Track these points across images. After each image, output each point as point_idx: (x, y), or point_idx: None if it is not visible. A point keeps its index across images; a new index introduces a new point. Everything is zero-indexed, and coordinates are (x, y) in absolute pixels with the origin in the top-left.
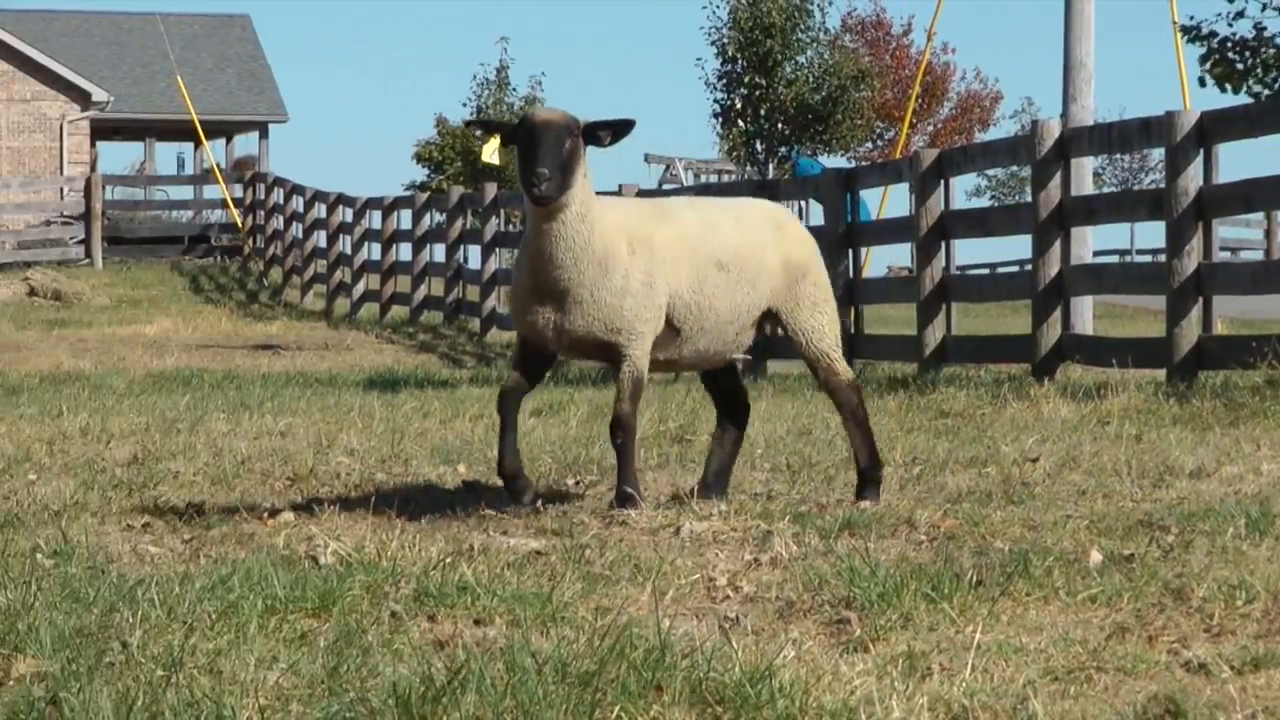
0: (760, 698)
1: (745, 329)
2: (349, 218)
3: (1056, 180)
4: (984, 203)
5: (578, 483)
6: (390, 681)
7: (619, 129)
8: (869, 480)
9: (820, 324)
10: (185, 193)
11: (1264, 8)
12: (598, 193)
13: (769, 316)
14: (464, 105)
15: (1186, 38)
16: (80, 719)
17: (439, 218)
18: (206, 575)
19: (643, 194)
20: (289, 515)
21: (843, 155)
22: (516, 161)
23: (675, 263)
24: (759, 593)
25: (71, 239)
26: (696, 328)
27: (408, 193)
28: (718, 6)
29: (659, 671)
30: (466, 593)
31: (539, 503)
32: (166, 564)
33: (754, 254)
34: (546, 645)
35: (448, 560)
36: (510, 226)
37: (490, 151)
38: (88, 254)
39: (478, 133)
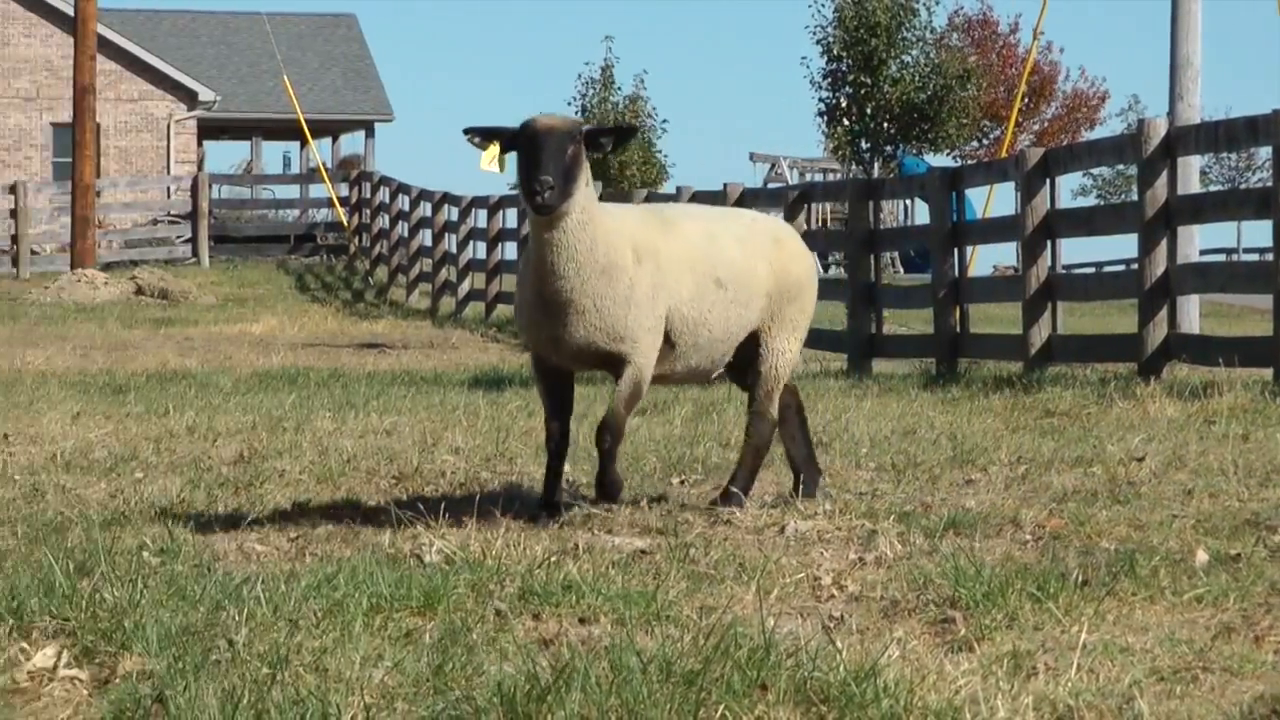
0: (865, 697)
1: (731, 350)
2: (454, 216)
3: (1163, 179)
4: (1090, 202)
5: (682, 482)
6: (495, 680)
7: (621, 135)
8: (732, 495)
9: (790, 349)
10: (291, 192)
11: None
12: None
13: (750, 336)
14: (569, 104)
15: None
16: (186, 717)
17: None
18: (312, 573)
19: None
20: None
21: (948, 154)
22: (517, 169)
23: (678, 275)
24: (864, 592)
25: (178, 238)
26: (691, 343)
27: (513, 192)
28: (823, 5)
29: (764, 670)
30: (571, 591)
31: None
32: (272, 562)
33: (751, 274)
34: (651, 644)
35: (553, 559)
36: None
37: (489, 160)
38: (194, 253)
39: (476, 140)
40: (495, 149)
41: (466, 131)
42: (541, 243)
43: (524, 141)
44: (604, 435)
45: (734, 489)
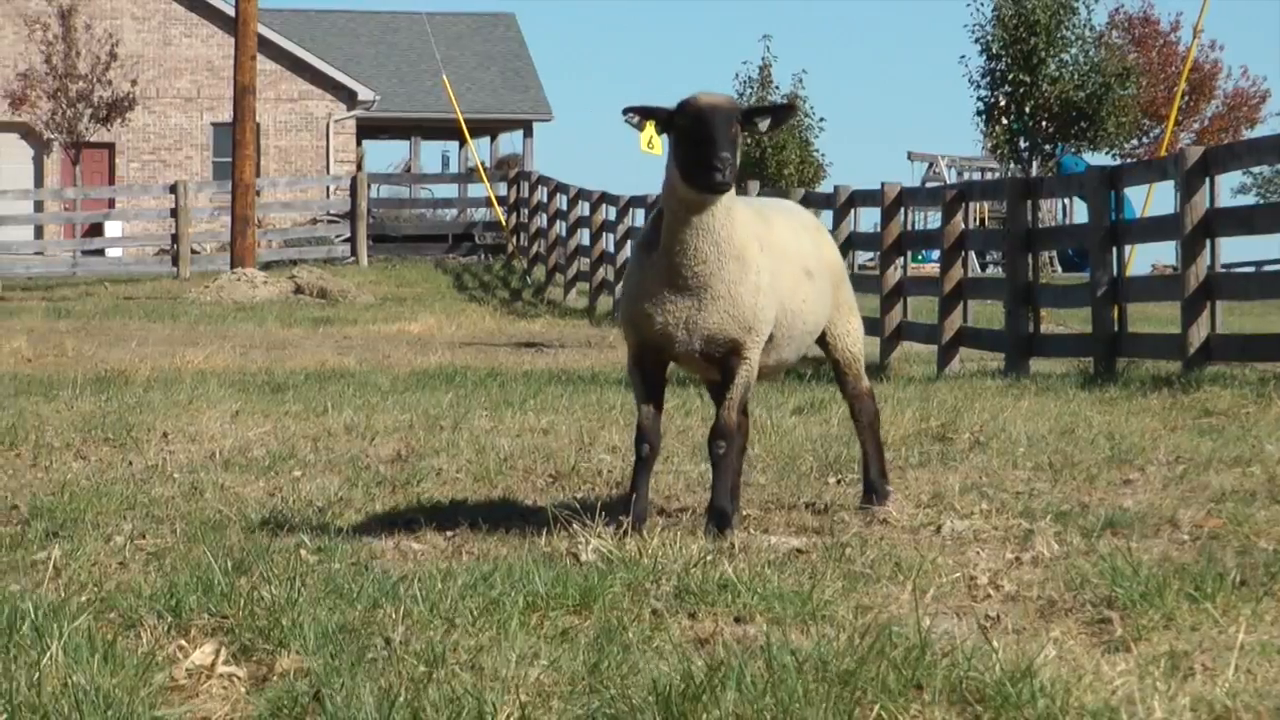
0: (1021, 697)
1: (811, 341)
2: (612, 216)
3: None
4: (1250, 200)
5: (838, 481)
6: (650, 679)
7: (779, 115)
8: (876, 491)
9: (855, 328)
10: (450, 191)
11: None
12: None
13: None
14: None
15: None
16: (343, 714)
17: None
18: (468, 572)
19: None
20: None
21: (1107, 153)
22: (677, 149)
23: (781, 267)
24: (1020, 591)
25: (337, 237)
26: (787, 335)
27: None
28: (982, 4)
29: (919, 670)
30: (727, 590)
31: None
32: (429, 560)
33: (824, 263)
34: (806, 643)
35: (708, 558)
36: None
37: (647, 140)
38: (353, 252)
39: (634, 120)
40: (651, 128)
41: (626, 111)
42: (685, 226)
43: (690, 120)
44: (717, 442)
45: (874, 480)
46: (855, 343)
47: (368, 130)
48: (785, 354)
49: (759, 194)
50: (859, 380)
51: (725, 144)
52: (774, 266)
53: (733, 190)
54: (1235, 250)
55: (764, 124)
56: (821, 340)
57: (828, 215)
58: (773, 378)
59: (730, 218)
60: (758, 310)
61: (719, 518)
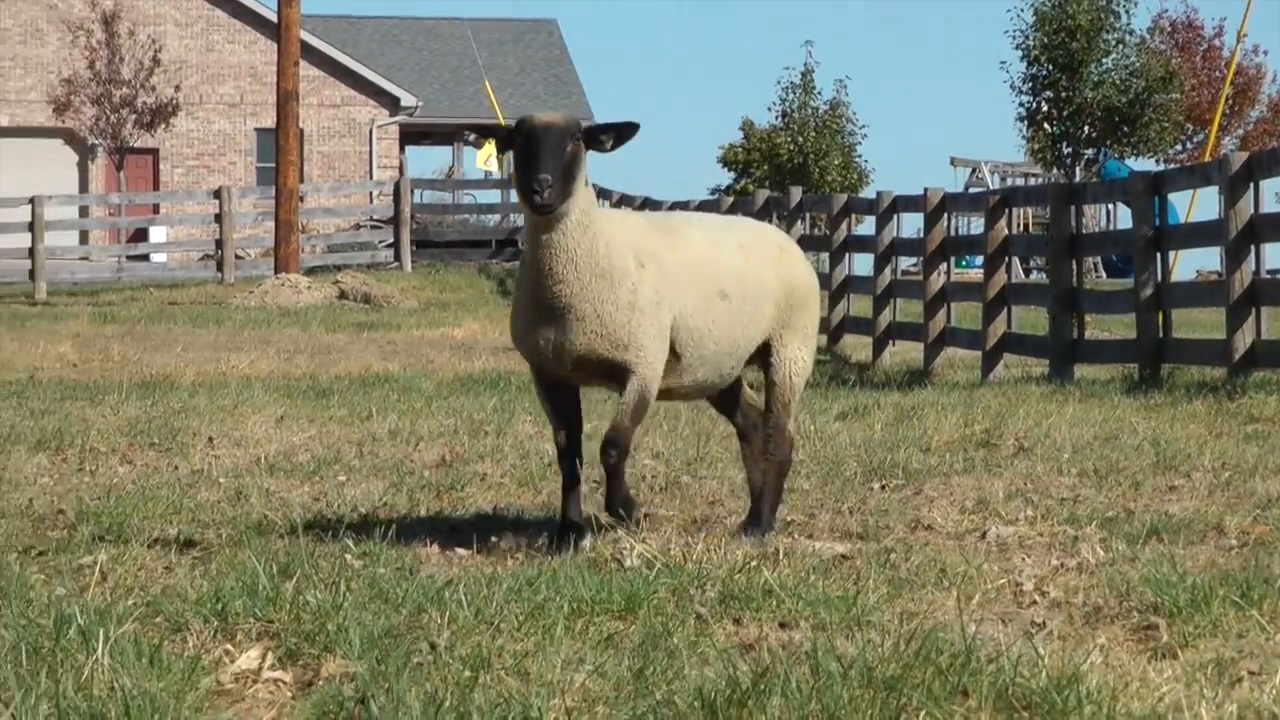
0: (1067, 704)
1: (740, 363)
2: None
3: None
4: None
5: (883, 487)
6: (695, 684)
7: (622, 133)
8: (760, 515)
9: (803, 357)
10: (493, 196)
11: None
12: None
13: (761, 348)
14: (769, 109)
15: None
16: (388, 719)
17: None
18: (513, 577)
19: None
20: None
21: (1150, 158)
22: (514, 167)
23: (682, 284)
24: (1065, 598)
25: (380, 242)
26: (696, 356)
27: (713, 196)
28: (1023, 9)
29: (964, 676)
30: (772, 596)
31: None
32: (474, 565)
33: (758, 284)
34: (851, 649)
35: (752, 563)
36: (815, 230)
37: (485, 158)
38: (396, 257)
39: (471, 138)
40: (491, 146)
41: (466, 129)
42: (539, 245)
43: (521, 139)
44: (609, 451)
45: (762, 510)
46: (797, 372)
47: (410, 136)
48: (702, 375)
49: (800, 199)
50: (784, 412)
51: (549, 164)
52: (662, 284)
53: (585, 206)
54: None
55: (609, 142)
56: (765, 362)
57: (870, 220)
58: (696, 398)
59: (589, 234)
60: (632, 328)
61: (610, 508)
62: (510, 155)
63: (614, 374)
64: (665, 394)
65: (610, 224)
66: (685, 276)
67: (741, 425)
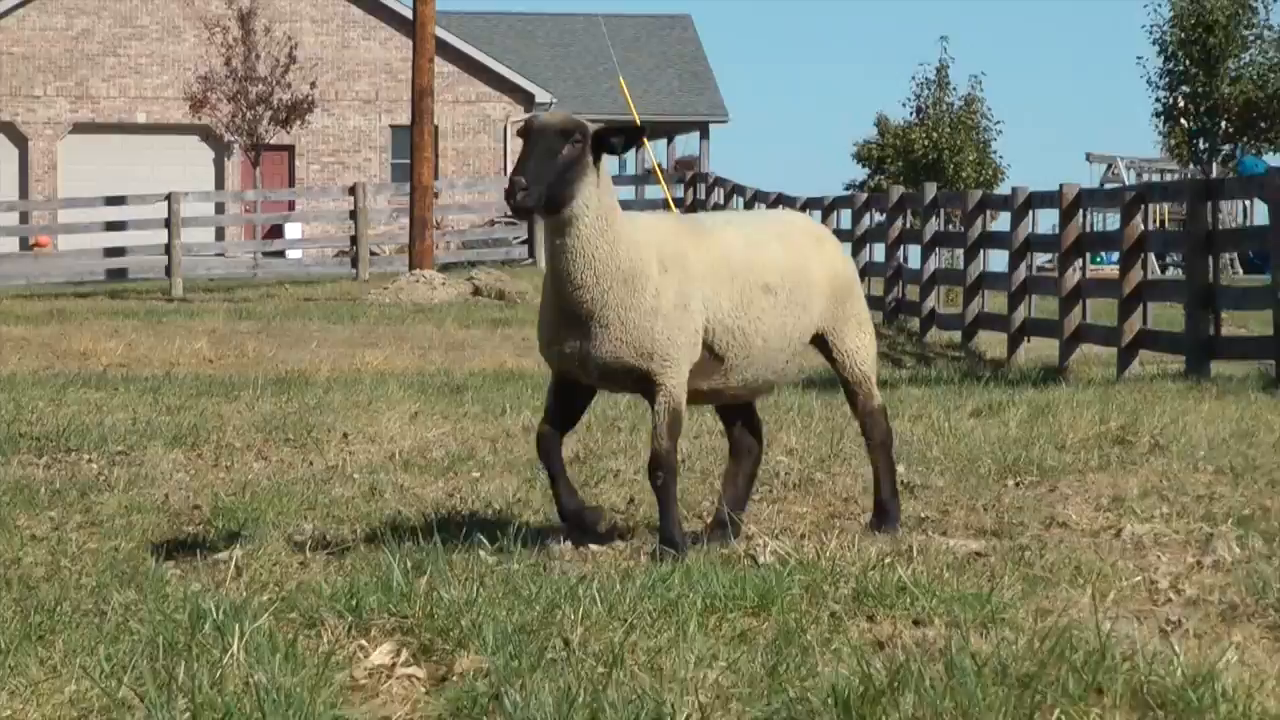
0: (1203, 702)
1: (796, 355)
2: None
3: None
4: None
5: (1017, 484)
6: (829, 681)
7: (631, 136)
8: (887, 511)
9: (864, 344)
10: (627, 193)
11: None
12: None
13: (816, 340)
14: (903, 105)
15: None
16: (522, 714)
17: (879, 217)
18: (647, 573)
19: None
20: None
21: None
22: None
23: (715, 284)
24: (1201, 596)
25: (515, 239)
26: (743, 355)
27: (847, 192)
28: (1160, 4)
29: (1099, 674)
30: (905, 593)
31: (606, 525)
32: (608, 561)
33: (802, 274)
34: (985, 647)
35: (886, 561)
36: (950, 226)
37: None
38: (530, 254)
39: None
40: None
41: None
42: (556, 250)
43: (523, 138)
44: (656, 473)
45: (885, 500)
46: (864, 360)
47: None
48: (753, 374)
49: (934, 195)
50: (870, 398)
51: (530, 165)
52: (687, 286)
53: (599, 208)
54: None
55: (619, 144)
56: (829, 357)
57: (1005, 217)
58: (760, 396)
59: (607, 238)
60: (656, 335)
61: (669, 543)
62: (638, 152)
63: (641, 384)
64: (714, 395)
65: (634, 228)
66: (717, 276)
67: (736, 439)
